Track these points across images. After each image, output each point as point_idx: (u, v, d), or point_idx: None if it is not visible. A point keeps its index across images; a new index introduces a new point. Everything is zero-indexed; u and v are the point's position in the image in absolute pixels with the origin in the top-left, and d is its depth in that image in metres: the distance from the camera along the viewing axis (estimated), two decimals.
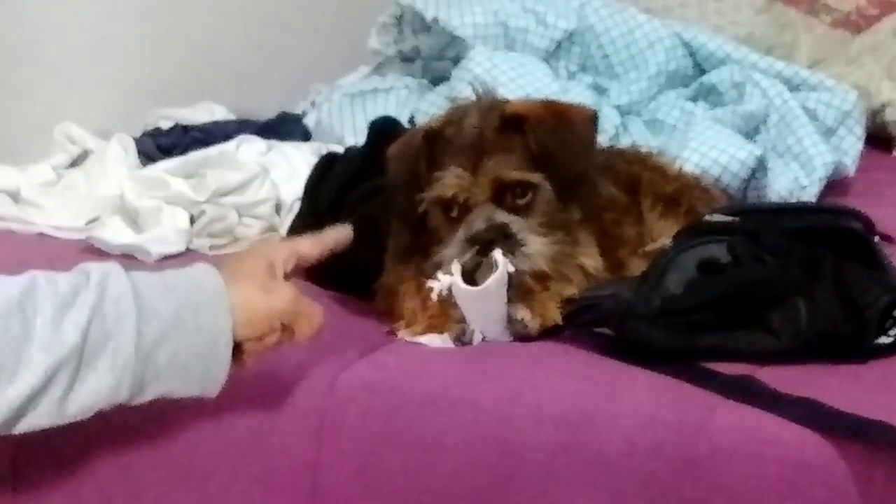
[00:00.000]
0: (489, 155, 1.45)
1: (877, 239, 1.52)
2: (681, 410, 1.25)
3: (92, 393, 1.15)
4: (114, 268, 1.19)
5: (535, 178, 1.46)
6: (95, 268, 1.18)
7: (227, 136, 2.23)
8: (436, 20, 2.38)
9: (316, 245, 1.31)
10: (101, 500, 1.36)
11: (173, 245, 1.89)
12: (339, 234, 1.34)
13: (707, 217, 1.55)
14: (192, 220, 1.94)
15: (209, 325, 1.19)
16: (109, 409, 1.18)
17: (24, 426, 1.14)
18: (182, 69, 2.62)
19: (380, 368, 1.38)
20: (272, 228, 2.00)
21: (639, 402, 1.27)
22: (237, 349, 1.23)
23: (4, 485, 1.37)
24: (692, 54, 2.39)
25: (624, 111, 2.29)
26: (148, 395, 1.19)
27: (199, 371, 1.20)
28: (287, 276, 1.27)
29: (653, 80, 2.34)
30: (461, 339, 1.45)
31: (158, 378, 1.18)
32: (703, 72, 2.39)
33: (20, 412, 1.12)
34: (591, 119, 1.55)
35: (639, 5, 2.62)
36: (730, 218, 1.51)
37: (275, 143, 2.23)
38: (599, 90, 2.33)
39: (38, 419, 1.14)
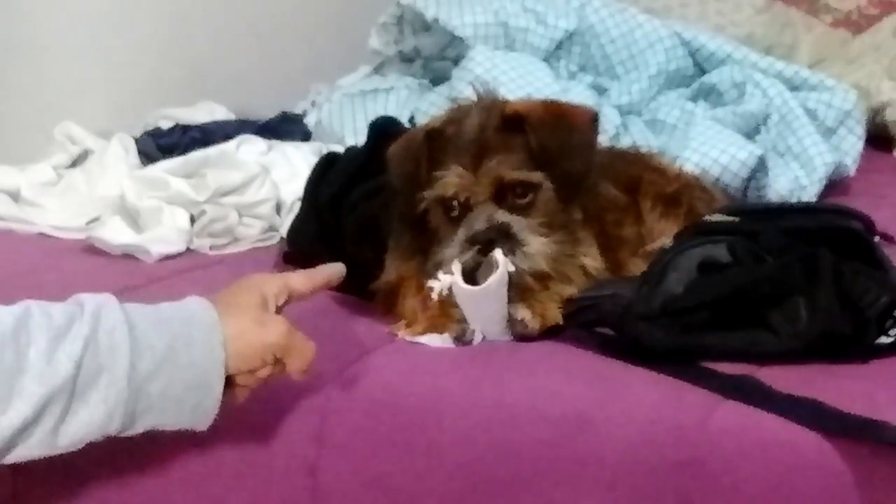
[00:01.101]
0: (490, 154, 1.45)
1: (877, 239, 1.52)
2: (681, 410, 1.25)
3: (84, 424, 1.15)
4: (108, 299, 1.19)
5: (536, 177, 1.46)
6: (90, 299, 1.18)
7: (227, 136, 2.23)
8: (436, 20, 2.38)
9: (308, 281, 1.31)
10: (101, 500, 1.36)
11: (174, 245, 1.89)
12: (331, 272, 1.33)
13: (707, 217, 1.55)
14: (193, 220, 1.94)
15: (202, 358, 1.19)
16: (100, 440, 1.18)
17: (15, 457, 1.14)
18: (182, 69, 2.62)
19: (380, 368, 1.38)
20: (272, 228, 2.00)
21: (639, 402, 1.27)
22: (229, 382, 1.23)
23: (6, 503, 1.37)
24: (692, 54, 2.39)
25: (624, 111, 2.29)
26: (139, 428, 1.20)
27: (191, 404, 1.20)
28: (279, 311, 1.27)
29: (653, 80, 2.34)
30: (462, 339, 1.45)
31: (150, 410, 1.18)
32: (703, 72, 2.39)
33: (12, 442, 1.12)
34: (593, 119, 1.54)
35: (639, 5, 2.62)
36: (730, 218, 1.51)
37: (275, 143, 2.23)
38: (600, 90, 2.34)
39: (30, 450, 1.14)
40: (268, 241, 1.98)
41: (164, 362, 1.17)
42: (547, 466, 1.26)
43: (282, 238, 1.94)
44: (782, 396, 1.25)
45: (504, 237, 1.44)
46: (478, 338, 1.45)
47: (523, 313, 1.44)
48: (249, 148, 2.16)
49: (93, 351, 1.14)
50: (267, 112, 2.54)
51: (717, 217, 1.53)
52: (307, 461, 1.34)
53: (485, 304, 1.43)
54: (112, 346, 1.15)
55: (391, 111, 2.24)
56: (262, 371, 1.25)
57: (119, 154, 2.18)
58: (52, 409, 1.12)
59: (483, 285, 1.41)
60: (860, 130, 2.33)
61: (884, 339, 1.38)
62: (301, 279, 1.30)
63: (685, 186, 1.72)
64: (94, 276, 1.75)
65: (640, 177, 1.68)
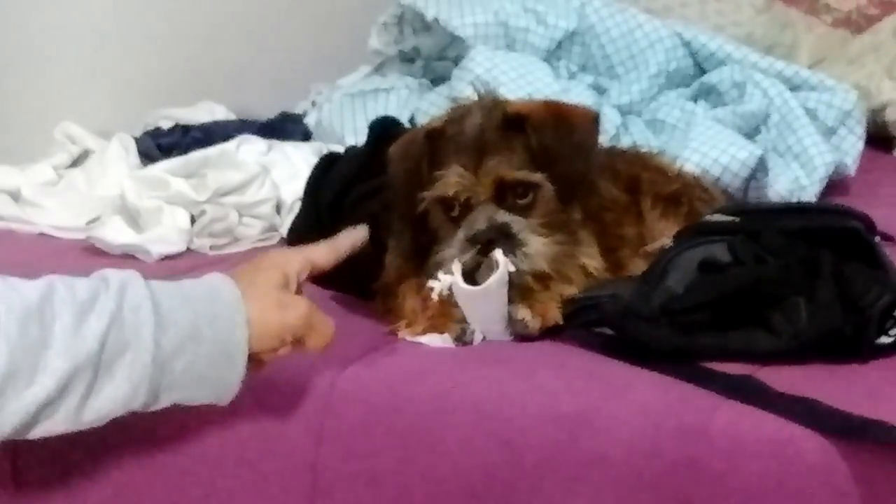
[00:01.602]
0: (491, 154, 1.45)
1: (877, 239, 1.52)
2: (681, 410, 1.25)
3: (108, 400, 1.15)
4: (133, 275, 1.19)
5: (537, 178, 1.46)
6: (114, 275, 1.18)
7: (227, 136, 2.23)
8: (436, 20, 2.38)
9: (331, 252, 1.32)
10: (102, 500, 1.36)
11: (174, 245, 1.90)
12: (353, 238, 1.34)
13: (708, 217, 1.55)
14: (193, 220, 1.95)
15: (226, 336, 1.20)
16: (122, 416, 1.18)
17: (41, 431, 1.14)
18: (183, 69, 2.62)
19: (380, 369, 1.38)
20: (273, 228, 2.00)
21: (640, 402, 1.27)
22: (250, 359, 1.23)
23: (6, 483, 1.37)
24: (693, 54, 2.39)
25: (624, 111, 2.29)
26: (163, 403, 1.20)
27: (214, 380, 1.21)
28: (300, 287, 1.27)
29: (653, 79, 2.34)
30: (462, 339, 1.45)
31: (174, 387, 1.18)
32: (703, 72, 2.39)
33: (36, 417, 1.12)
34: (594, 120, 1.55)
35: (639, 5, 2.62)
36: (730, 218, 1.51)
37: (275, 142, 2.23)
38: (600, 90, 2.34)
39: (55, 425, 1.14)
40: (268, 241, 1.98)
41: (187, 339, 1.18)
42: (546, 466, 1.26)
43: (282, 238, 1.94)
44: (782, 396, 1.25)
45: (504, 237, 1.44)
46: (478, 338, 1.45)
47: (523, 313, 1.44)
48: (249, 148, 2.16)
49: (118, 327, 1.14)
50: (267, 112, 2.54)
51: (717, 217, 1.53)
52: (307, 460, 1.34)
53: (485, 305, 1.43)
54: (137, 322, 1.15)
55: (391, 111, 2.24)
56: (283, 350, 1.26)
57: (119, 154, 2.19)
58: (77, 385, 1.12)
59: (483, 285, 1.41)
60: (860, 130, 2.33)
61: (884, 339, 1.38)
62: (323, 251, 1.31)
63: (685, 186, 1.72)
64: None
65: (640, 177, 1.68)
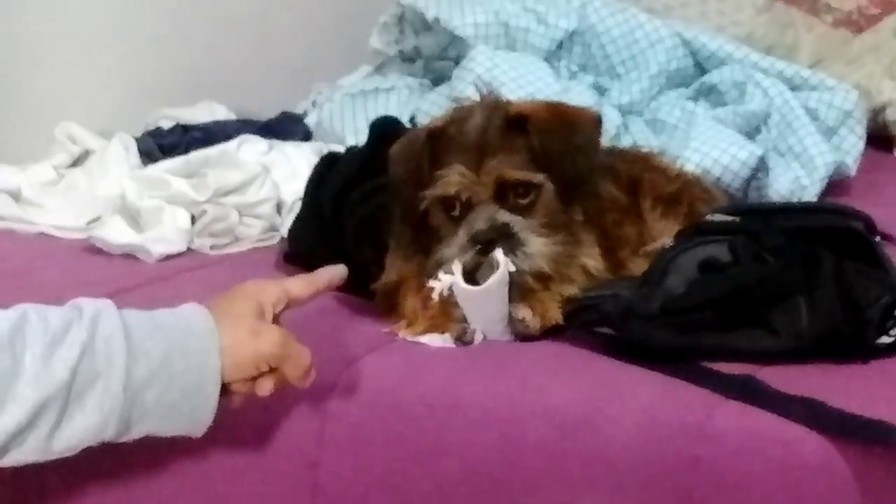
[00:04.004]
0: (492, 154, 1.46)
1: (878, 238, 1.52)
2: (682, 410, 1.25)
3: (79, 430, 1.15)
4: (106, 305, 1.19)
5: (538, 178, 1.46)
6: (88, 304, 1.18)
7: (228, 136, 2.23)
8: (437, 20, 2.38)
9: (308, 286, 1.30)
10: (103, 501, 1.37)
11: (174, 245, 1.89)
12: (332, 273, 1.32)
13: (708, 217, 1.55)
14: (194, 220, 1.94)
15: (198, 366, 1.20)
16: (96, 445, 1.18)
17: (11, 461, 1.14)
18: (183, 69, 2.62)
19: (381, 368, 1.38)
20: (273, 228, 2.00)
21: (640, 402, 1.27)
22: (224, 389, 1.23)
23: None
24: (693, 54, 2.39)
25: (625, 111, 2.29)
26: (134, 434, 1.20)
27: (187, 411, 1.21)
28: (277, 318, 1.26)
29: (654, 79, 2.33)
30: (462, 339, 1.45)
31: (145, 417, 1.19)
32: (704, 71, 2.38)
33: (6, 447, 1.12)
34: (596, 122, 1.55)
35: (640, 5, 2.62)
36: (731, 218, 1.51)
37: (276, 142, 2.23)
38: (600, 90, 2.33)
39: (24, 455, 1.14)
40: (268, 240, 1.98)
41: (159, 370, 1.18)
42: (547, 466, 1.26)
43: (282, 238, 1.94)
44: (783, 396, 1.25)
45: (505, 237, 1.44)
46: (478, 338, 1.45)
47: (524, 313, 1.45)
48: (250, 148, 2.16)
49: (89, 357, 1.14)
50: (268, 112, 2.53)
51: (717, 217, 1.53)
52: (308, 461, 1.34)
53: (485, 304, 1.43)
54: (108, 352, 1.15)
55: (392, 111, 2.24)
56: (263, 383, 1.25)
57: (120, 154, 2.18)
58: (47, 415, 1.13)
59: (484, 285, 1.41)
60: (861, 130, 2.33)
61: (884, 339, 1.38)
62: (300, 284, 1.30)
63: (686, 186, 1.72)
64: (95, 275, 1.75)
65: (640, 176, 1.68)
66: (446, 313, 1.46)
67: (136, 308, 1.22)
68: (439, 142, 1.49)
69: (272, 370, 1.25)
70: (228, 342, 1.21)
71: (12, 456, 1.13)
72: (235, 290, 1.27)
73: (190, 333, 1.20)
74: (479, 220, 1.45)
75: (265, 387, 1.25)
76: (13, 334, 1.12)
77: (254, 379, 1.25)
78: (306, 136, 2.42)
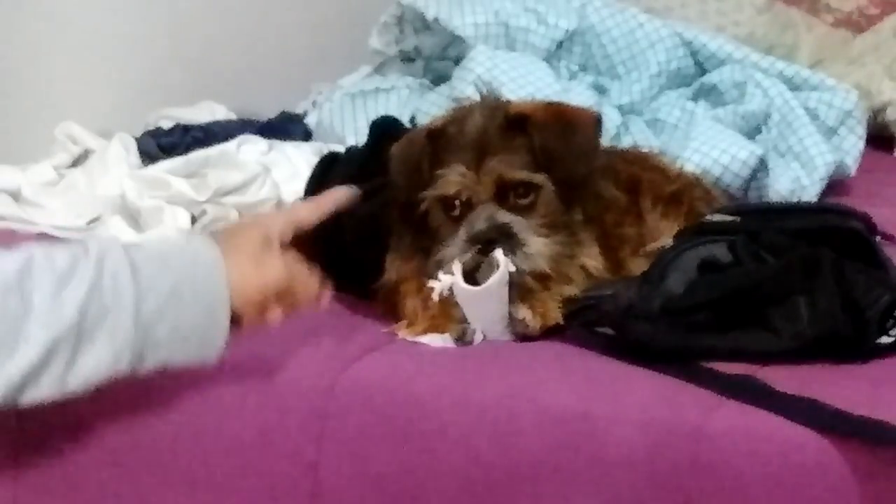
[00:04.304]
0: (492, 154, 1.46)
1: (878, 239, 1.52)
2: (681, 410, 1.25)
3: (92, 367, 1.16)
4: (112, 243, 1.21)
5: (538, 178, 1.46)
6: (94, 243, 1.20)
7: (228, 136, 2.23)
8: (437, 20, 2.38)
9: (315, 209, 1.33)
10: (99, 497, 1.37)
11: None
12: (338, 195, 1.34)
13: (708, 217, 1.55)
14: (194, 220, 1.94)
15: (207, 295, 1.21)
16: (111, 391, 1.19)
17: (29, 399, 1.15)
18: (183, 69, 2.62)
19: (381, 368, 1.38)
20: None
21: (639, 402, 1.27)
22: (233, 321, 1.24)
23: (6, 472, 1.37)
24: (693, 54, 2.39)
25: (625, 111, 2.29)
26: (148, 366, 1.21)
27: (198, 339, 1.22)
28: (285, 245, 1.28)
29: (654, 79, 2.33)
30: (462, 339, 1.45)
31: (158, 349, 1.20)
32: (704, 71, 2.38)
33: (21, 386, 1.13)
34: (596, 122, 1.55)
35: (640, 5, 2.62)
36: (731, 218, 1.51)
37: (276, 142, 2.23)
38: (600, 90, 2.33)
39: (41, 392, 1.15)
40: None
41: (168, 303, 1.19)
42: (546, 466, 1.26)
43: None
44: (783, 396, 1.25)
45: (505, 237, 1.44)
46: (478, 338, 1.45)
47: (524, 313, 1.45)
48: (250, 148, 2.16)
49: (97, 295, 1.15)
50: (268, 112, 2.53)
51: (717, 217, 1.53)
52: (307, 461, 1.34)
53: (485, 305, 1.43)
54: (116, 288, 1.16)
55: (392, 111, 2.24)
56: (271, 313, 1.26)
57: (120, 154, 2.18)
58: (60, 353, 1.14)
59: (484, 285, 1.41)
60: (861, 130, 2.33)
61: (884, 339, 1.38)
62: (308, 208, 1.33)
63: (686, 186, 1.72)
64: None
65: (640, 177, 1.68)
66: (446, 313, 1.46)
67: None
68: (439, 142, 1.50)
69: (280, 297, 1.26)
70: (234, 272, 1.23)
71: (30, 394, 1.14)
72: (242, 222, 1.29)
73: (197, 263, 1.22)
74: (479, 220, 1.45)
75: (274, 315, 1.26)
76: (21, 275, 1.13)
77: (264, 308, 1.26)
78: (306, 136, 2.42)
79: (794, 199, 2.10)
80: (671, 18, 2.59)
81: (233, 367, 1.31)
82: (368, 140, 1.78)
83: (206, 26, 2.69)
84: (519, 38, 2.36)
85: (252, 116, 2.50)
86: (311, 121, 2.46)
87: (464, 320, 1.45)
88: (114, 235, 1.23)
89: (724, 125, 2.16)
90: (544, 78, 2.26)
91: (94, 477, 1.36)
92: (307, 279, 1.27)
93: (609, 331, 1.40)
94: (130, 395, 1.31)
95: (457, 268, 1.43)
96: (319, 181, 1.78)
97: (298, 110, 2.59)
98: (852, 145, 2.30)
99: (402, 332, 1.48)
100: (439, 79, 2.43)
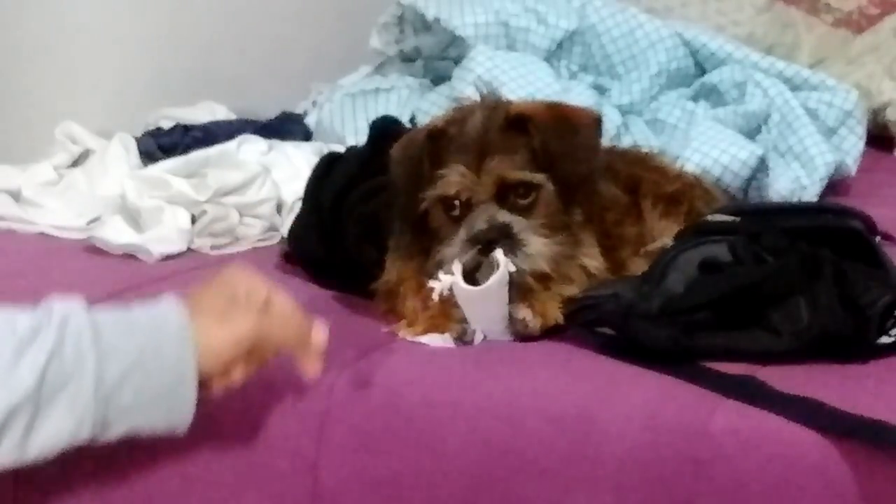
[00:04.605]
0: (493, 154, 1.46)
1: (878, 239, 1.52)
2: (682, 410, 1.25)
3: (52, 435, 1.15)
4: (76, 306, 1.18)
5: (539, 178, 1.46)
6: (58, 306, 1.17)
7: (228, 136, 2.23)
8: (437, 20, 2.38)
9: (289, 314, 1.26)
10: (101, 501, 1.37)
11: (174, 244, 1.89)
12: (317, 335, 1.29)
13: (708, 217, 1.55)
14: (194, 220, 1.94)
15: (173, 361, 1.19)
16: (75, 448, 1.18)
17: None
18: (183, 69, 2.62)
19: (380, 368, 1.38)
20: (273, 228, 2.00)
21: (640, 402, 1.27)
22: (203, 383, 1.22)
23: (6, 472, 1.37)
24: (693, 54, 2.39)
25: (625, 111, 2.29)
26: (113, 434, 1.19)
27: (165, 407, 1.20)
28: (264, 299, 1.24)
29: (654, 79, 2.34)
30: (462, 339, 1.45)
31: (122, 417, 1.18)
32: (704, 71, 2.39)
33: None
34: (596, 122, 1.55)
35: (640, 5, 2.62)
36: (731, 218, 1.51)
37: (276, 142, 2.23)
38: (601, 90, 2.33)
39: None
40: (268, 240, 1.98)
41: (132, 369, 1.17)
42: (547, 467, 1.26)
43: (282, 238, 1.94)
44: (783, 396, 1.25)
45: (505, 237, 1.44)
46: (478, 338, 1.45)
47: (524, 313, 1.45)
48: (250, 148, 2.16)
49: (57, 360, 1.14)
50: (268, 112, 2.53)
51: (717, 217, 1.53)
52: (307, 461, 1.33)
53: (485, 305, 1.43)
54: (78, 355, 1.15)
55: (392, 111, 2.24)
56: (242, 368, 1.24)
57: (120, 154, 2.18)
58: (18, 420, 1.12)
59: (484, 286, 1.41)
60: (861, 130, 2.33)
61: (884, 339, 1.38)
62: (284, 300, 1.26)
63: (686, 186, 1.72)
64: (95, 275, 1.75)
65: (640, 176, 1.68)
66: (446, 313, 1.46)
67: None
68: (439, 142, 1.49)
69: (251, 354, 1.23)
70: (201, 336, 1.20)
71: None
72: (207, 283, 1.26)
73: (163, 328, 1.19)
74: (480, 221, 1.45)
75: (237, 373, 1.23)
76: None
77: (234, 366, 1.23)
78: (306, 136, 2.42)
79: (794, 199, 2.10)
80: (671, 18, 2.59)
81: None
82: (368, 140, 1.78)
83: (206, 26, 2.69)
84: (519, 38, 2.36)
85: (252, 116, 2.50)
86: (311, 121, 2.47)
87: (464, 320, 1.45)
88: (78, 298, 1.19)
89: (724, 125, 2.16)
90: (544, 78, 2.26)
91: (91, 475, 1.36)
92: (292, 321, 1.24)
93: (609, 331, 1.40)
94: None
95: (457, 268, 1.43)
96: (320, 181, 1.78)
97: (298, 110, 2.59)
98: (852, 145, 2.31)
99: (402, 332, 1.48)
100: (439, 79, 2.43)
